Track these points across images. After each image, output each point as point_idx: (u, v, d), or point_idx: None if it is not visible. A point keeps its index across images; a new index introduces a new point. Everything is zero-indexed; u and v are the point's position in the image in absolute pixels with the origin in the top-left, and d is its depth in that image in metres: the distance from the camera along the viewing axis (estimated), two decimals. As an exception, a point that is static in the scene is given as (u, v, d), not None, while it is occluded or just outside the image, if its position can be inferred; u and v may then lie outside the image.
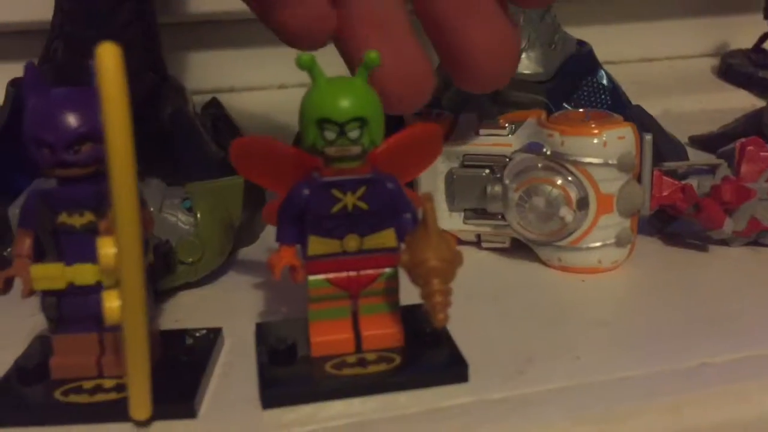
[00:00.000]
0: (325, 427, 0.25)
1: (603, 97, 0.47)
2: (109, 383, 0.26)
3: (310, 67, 0.25)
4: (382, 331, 0.27)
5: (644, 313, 0.31)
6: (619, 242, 0.34)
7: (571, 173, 0.33)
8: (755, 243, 0.37)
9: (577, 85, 0.47)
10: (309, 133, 0.25)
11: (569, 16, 0.51)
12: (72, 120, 0.24)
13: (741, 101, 0.61)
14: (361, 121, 0.25)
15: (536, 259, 0.36)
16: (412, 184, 0.35)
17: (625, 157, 0.33)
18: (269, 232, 0.40)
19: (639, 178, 0.34)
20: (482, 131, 0.36)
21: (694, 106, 0.62)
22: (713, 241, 0.37)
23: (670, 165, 0.37)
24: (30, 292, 0.25)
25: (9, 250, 0.36)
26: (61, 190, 0.25)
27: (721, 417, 0.26)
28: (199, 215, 0.33)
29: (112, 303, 0.22)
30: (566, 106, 0.45)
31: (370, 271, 0.27)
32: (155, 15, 0.44)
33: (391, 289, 0.27)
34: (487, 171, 0.36)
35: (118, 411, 0.25)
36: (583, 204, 0.33)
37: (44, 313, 0.26)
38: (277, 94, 0.64)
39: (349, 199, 0.26)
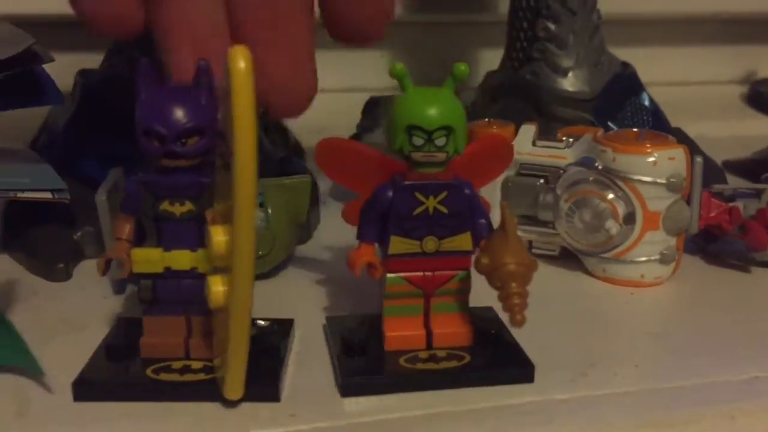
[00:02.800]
0: (401, 416, 0.26)
1: (645, 117, 0.48)
2: (196, 365, 0.27)
3: (401, 77, 0.27)
4: (453, 330, 0.29)
5: (693, 326, 0.33)
6: (664, 259, 0.36)
7: (620, 189, 0.35)
8: (796, 266, 0.38)
9: (622, 105, 0.48)
10: (398, 138, 0.27)
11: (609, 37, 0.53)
12: (183, 114, 0.25)
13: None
14: (448, 130, 0.26)
15: (583, 269, 0.37)
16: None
17: (675, 178, 0.35)
18: (321, 231, 0.42)
19: (688, 199, 0.36)
20: (539, 143, 0.38)
21: (725, 132, 0.63)
22: (755, 263, 0.38)
23: (717, 187, 0.38)
24: (129, 274, 0.27)
25: (80, 234, 0.37)
26: (165, 179, 0.26)
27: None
28: (270, 210, 0.34)
29: (218, 287, 0.24)
30: (611, 124, 0.46)
31: (445, 272, 0.28)
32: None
33: (463, 290, 0.29)
34: (542, 181, 0.38)
35: (207, 391, 0.26)
36: (629, 219, 0.35)
37: (139, 295, 0.27)
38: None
39: (431, 203, 0.27)
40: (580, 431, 0.26)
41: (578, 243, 0.36)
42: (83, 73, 0.43)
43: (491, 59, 0.55)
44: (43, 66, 0.35)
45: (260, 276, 0.35)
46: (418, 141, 0.26)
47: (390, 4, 0.29)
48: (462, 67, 0.27)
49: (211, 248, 0.23)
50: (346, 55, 0.66)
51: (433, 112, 0.26)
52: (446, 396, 0.27)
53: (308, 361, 0.29)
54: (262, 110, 0.27)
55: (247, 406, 0.26)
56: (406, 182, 0.27)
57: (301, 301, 0.34)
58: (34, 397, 0.27)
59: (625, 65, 0.51)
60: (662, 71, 0.71)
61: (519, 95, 0.49)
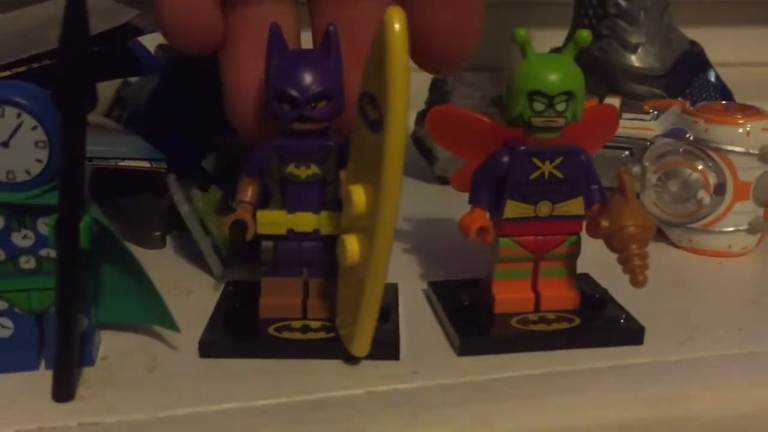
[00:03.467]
0: (518, 375, 0.27)
1: (713, 94, 0.49)
2: (315, 324, 0.28)
3: (523, 42, 0.27)
4: (561, 294, 0.29)
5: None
6: (752, 229, 0.36)
7: (712, 159, 0.35)
8: None
9: (690, 82, 0.48)
10: (518, 103, 0.27)
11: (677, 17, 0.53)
12: (314, 79, 0.26)
13: None
14: (569, 95, 0.27)
15: (665, 240, 0.38)
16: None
17: (766, 150, 0.35)
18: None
19: (774, 171, 0.36)
20: (625, 115, 0.38)
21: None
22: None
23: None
24: (254, 235, 0.27)
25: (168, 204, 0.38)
26: (293, 144, 0.27)
27: None
28: None
29: (353, 246, 0.24)
30: (680, 100, 0.47)
31: (556, 236, 0.29)
32: None
33: (573, 255, 0.29)
34: (627, 153, 0.38)
35: (328, 348, 0.27)
36: (720, 189, 0.35)
37: (261, 256, 0.28)
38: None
39: (547, 168, 0.28)
40: (694, 391, 0.27)
41: (666, 214, 0.37)
42: (163, 48, 0.44)
43: (555, 37, 0.55)
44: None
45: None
46: (539, 106, 0.27)
47: (471, 43, 0.29)
48: (585, 34, 0.27)
49: (351, 207, 0.24)
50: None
51: (555, 77, 0.27)
52: (559, 356, 0.28)
53: (417, 323, 0.30)
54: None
55: (368, 364, 0.27)
56: (524, 147, 0.28)
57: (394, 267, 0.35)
58: (161, 353, 0.27)
59: (693, 43, 0.51)
60: (728, 51, 0.71)
61: (589, 72, 0.49)
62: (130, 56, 0.36)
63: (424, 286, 0.32)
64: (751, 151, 0.35)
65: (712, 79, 0.50)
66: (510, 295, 0.29)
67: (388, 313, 0.29)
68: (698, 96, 0.48)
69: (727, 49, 0.69)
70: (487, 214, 0.29)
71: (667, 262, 0.37)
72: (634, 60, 0.48)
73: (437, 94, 0.51)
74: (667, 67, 0.48)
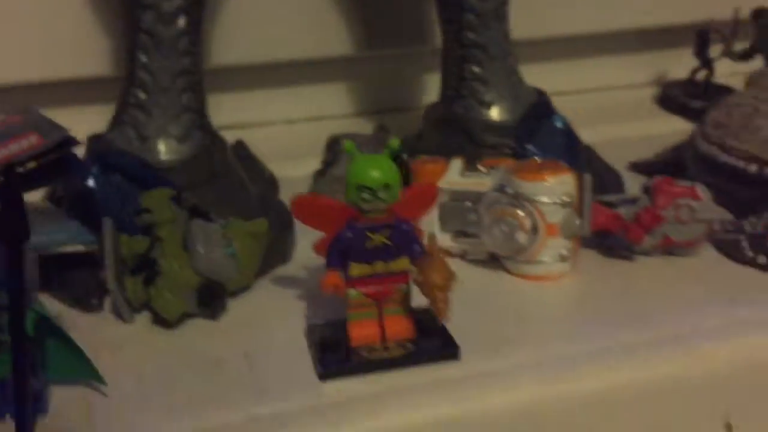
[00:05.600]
0: (365, 392, 0.36)
1: (558, 138, 0.59)
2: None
3: (351, 151, 0.37)
4: (400, 327, 0.39)
5: (589, 308, 0.44)
6: (563, 258, 0.46)
7: (526, 207, 0.45)
8: (669, 254, 0.49)
9: (538, 128, 0.58)
10: (351, 193, 0.37)
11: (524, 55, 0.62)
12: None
13: (677, 128, 0.71)
14: (387, 186, 0.37)
15: (505, 269, 0.48)
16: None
17: (566, 196, 0.45)
18: (300, 253, 0.52)
19: (580, 210, 0.47)
20: (466, 173, 0.49)
21: (637, 133, 0.74)
22: (638, 252, 0.49)
23: (604, 198, 0.49)
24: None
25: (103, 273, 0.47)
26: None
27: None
28: (240, 260, 0.44)
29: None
30: (528, 146, 0.57)
31: (391, 286, 0.39)
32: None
33: (406, 298, 0.39)
34: (469, 203, 0.48)
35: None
36: (534, 230, 0.45)
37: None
38: (286, 128, 0.75)
39: (378, 238, 0.38)
40: (496, 395, 0.37)
41: (499, 250, 0.47)
42: (94, 140, 0.52)
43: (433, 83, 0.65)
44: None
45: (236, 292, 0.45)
46: (366, 196, 0.37)
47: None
48: (395, 143, 0.37)
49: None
50: (310, 88, 0.77)
51: (376, 174, 0.37)
52: (396, 375, 0.38)
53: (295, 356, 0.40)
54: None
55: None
56: (359, 225, 0.38)
57: (285, 311, 0.44)
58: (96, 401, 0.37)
59: (540, 93, 0.61)
60: (579, 80, 0.82)
61: (454, 127, 0.59)
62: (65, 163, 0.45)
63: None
64: (554, 200, 0.45)
65: (558, 123, 0.60)
66: (361, 332, 0.39)
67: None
68: (545, 140, 0.58)
69: (579, 78, 0.80)
70: (341, 273, 0.39)
71: (503, 287, 0.47)
72: (489, 115, 0.58)
73: (331, 154, 0.61)
74: (516, 119, 0.58)
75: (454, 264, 0.49)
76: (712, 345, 0.40)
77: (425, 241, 0.38)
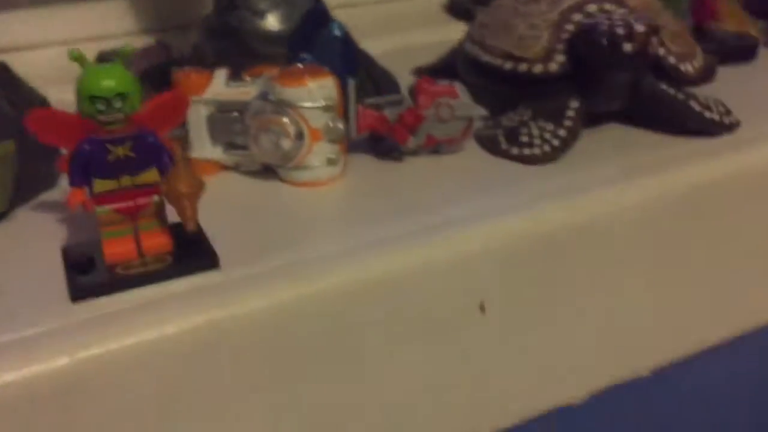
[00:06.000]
0: (120, 309, 0.36)
1: (335, 45, 0.59)
2: None
3: (79, 59, 0.35)
4: (157, 241, 0.39)
5: (356, 208, 0.45)
6: (331, 162, 0.47)
7: (289, 114, 0.45)
8: (435, 152, 0.51)
9: (314, 37, 0.58)
10: (84, 106, 0.35)
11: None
12: None
13: (462, 33, 0.76)
14: (122, 96, 0.35)
15: (276, 178, 0.48)
16: (181, 132, 0.46)
17: (328, 100, 0.46)
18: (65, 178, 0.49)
19: (345, 113, 0.48)
20: (231, 83, 0.48)
21: (426, 40, 0.76)
22: (407, 153, 0.51)
23: (369, 101, 0.50)
24: None
25: None
26: None
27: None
28: None
29: None
30: (304, 55, 0.57)
31: (142, 200, 0.38)
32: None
33: (161, 211, 0.39)
34: (236, 113, 0.48)
35: None
36: (299, 136, 0.46)
37: None
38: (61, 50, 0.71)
39: (120, 151, 0.37)
40: (255, 299, 0.37)
41: (267, 159, 0.47)
42: None
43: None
44: None
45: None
46: (101, 106, 0.35)
47: None
48: (127, 49, 0.36)
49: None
50: (76, 7, 0.73)
51: (109, 83, 0.35)
52: (156, 288, 0.37)
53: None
54: None
55: None
56: (98, 138, 0.36)
57: (45, 236, 0.43)
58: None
59: (317, 1, 0.61)
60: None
61: (229, 36, 0.58)
62: None
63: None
64: (316, 104, 0.46)
65: (335, 31, 0.60)
66: (116, 249, 0.38)
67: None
68: (321, 49, 0.58)
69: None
70: (87, 190, 0.37)
71: (275, 196, 0.47)
72: (264, 25, 0.57)
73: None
74: (291, 28, 0.57)
75: (228, 177, 0.49)
76: (465, 231, 0.42)
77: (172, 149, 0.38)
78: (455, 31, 0.77)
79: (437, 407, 0.44)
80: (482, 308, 0.43)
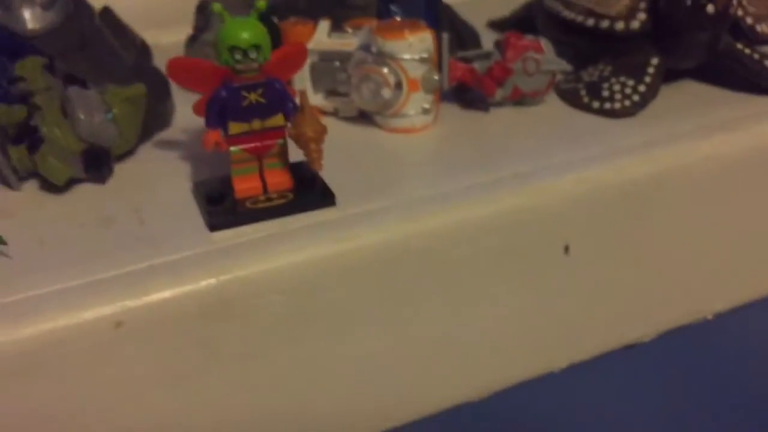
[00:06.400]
0: (252, 238, 0.40)
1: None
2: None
3: (220, 13, 0.39)
4: (280, 179, 0.43)
5: (448, 155, 0.49)
6: (426, 111, 0.51)
7: (389, 65, 0.49)
8: (519, 104, 0.55)
9: None
10: (223, 55, 0.39)
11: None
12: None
13: None
14: (257, 47, 0.39)
15: (373, 125, 0.52)
16: (290, 80, 0.50)
17: (425, 53, 0.49)
18: (179, 118, 0.54)
19: (439, 65, 0.51)
20: (333, 35, 0.51)
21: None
22: (493, 104, 0.54)
23: (461, 54, 0.53)
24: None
25: None
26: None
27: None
28: (121, 124, 0.45)
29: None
30: (392, 6, 0.60)
31: (269, 142, 0.42)
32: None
33: (283, 152, 0.43)
34: (338, 63, 0.51)
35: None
36: (399, 86, 0.49)
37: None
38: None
39: (253, 96, 0.41)
40: (368, 233, 0.41)
41: (367, 106, 0.51)
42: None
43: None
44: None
45: (121, 156, 0.47)
46: (238, 56, 0.39)
47: None
48: (262, 4, 0.39)
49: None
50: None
51: (246, 35, 0.39)
52: (281, 221, 0.42)
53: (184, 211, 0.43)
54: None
55: (149, 246, 0.40)
56: (234, 84, 0.40)
57: (171, 171, 0.47)
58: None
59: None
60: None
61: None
62: None
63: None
64: (414, 57, 0.49)
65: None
66: (245, 185, 0.42)
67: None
68: (407, 0, 0.61)
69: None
70: (221, 132, 0.42)
71: (373, 141, 0.51)
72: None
73: (202, 19, 0.61)
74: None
75: (328, 121, 0.53)
76: (551, 179, 0.46)
77: (297, 98, 0.41)
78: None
79: (522, 338, 0.48)
80: (567, 250, 0.47)
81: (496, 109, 0.54)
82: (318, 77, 0.52)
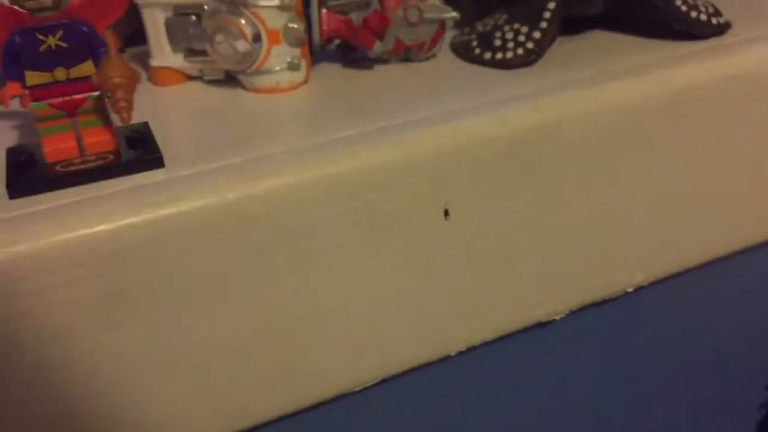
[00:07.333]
0: (57, 205, 0.35)
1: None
2: None
3: (3, -59, 0.33)
4: (99, 138, 0.37)
5: (314, 109, 0.43)
6: (291, 67, 0.45)
7: (245, 14, 0.43)
8: (407, 60, 0.49)
9: None
10: (10, -8, 0.34)
11: None
12: None
13: None
14: (48, -19, 0.34)
15: (239, 85, 0.47)
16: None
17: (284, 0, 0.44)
18: None
19: (308, 16, 0.45)
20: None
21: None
22: (376, 57, 0.49)
23: (333, 2, 0.48)
24: None
25: None
26: None
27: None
28: None
29: None
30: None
31: (78, 96, 0.36)
32: None
33: (101, 107, 0.37)
34: (194, 17, 0.46)
35: None
36: (257, 38, 0.44)
37: None
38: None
39: (52, 41, 0.35)
40: (197, 197, 0.36)
41: (226, 64, 0.45)
42: None
43: None
44: None
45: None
46: (26, -9, 0.34)
47: None
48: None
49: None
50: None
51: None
52: (95, 186, 0.36)
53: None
54: None
55: None
56: (28, 26, 0.34)
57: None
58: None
59: None
60: None
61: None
62: None
63: None
64: (272, 3, 0.43)
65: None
66: (56, 146, 0.37)
67: None
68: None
69: None
70: (21, 85, 0.36)
71: (236, 103, 0.45)
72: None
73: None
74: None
75: (190, 86, 0.47)
76: (425, 131, 0.40)
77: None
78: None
79: (401, 320, 0.42)
80: (447, 214, 0.41)
81: (381, 66, 0.49)
82: (174, 34, 0.46)
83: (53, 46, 0.35)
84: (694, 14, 0.48)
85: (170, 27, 0.46)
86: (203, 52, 0.46)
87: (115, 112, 0.35)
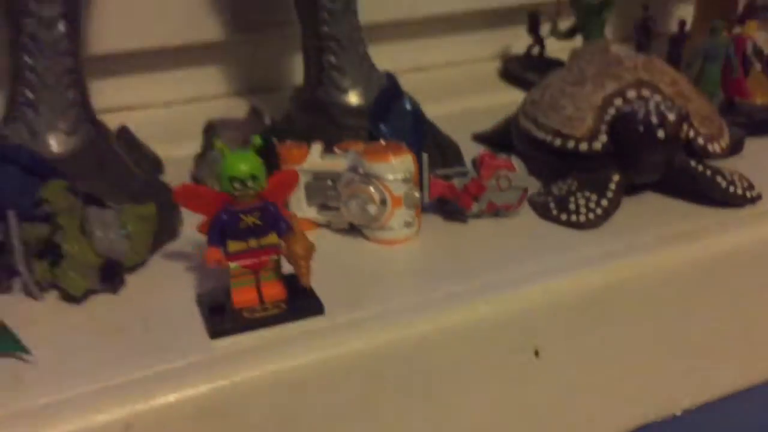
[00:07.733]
0: (249, 346, 0.45)
1: (407, 118, 0.68)
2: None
3: (223, 149, 0.45)
4: (274, 291, 0.48)
5: (429, 265, 0.54)
6: (408, 225, 0.56)
7: (375, 184, 0.55)
8: (495, 215, 0.60)
9: (389, 110, 0.68)
10: (224, 184, 0.45)
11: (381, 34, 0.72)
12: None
13: (517, 98, 0.82)
14: (254, 177, 0.45)
15: (362, 236, 0.58)
16: (286, 201, 0.56)
17: (406, 173, 0.55)
18: (187, 229, 0.59)
19: (420, 183, 0.57)
20: (325, 156, 0.57)
21: (483, 104, 0.84)
22: (470, 216, 0.60)
23: (440, 171, 0.59)
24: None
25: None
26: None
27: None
28: (129, 228, 0.51)
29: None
30: (382, 127, 0.66)
31: (264, 258, 0.47)
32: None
33: (277, 266, 0.48)
34: (330, 181, 0.57)
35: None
36: (383, 203, 0.55)
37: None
38: (165, 110, 0.82)
39: (249, 219, 0.46)
40: (356, 340, 0.46)
41: (355, 220, 0.56)
42: None
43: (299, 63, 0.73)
44: None
45: (133, 268, 0.53)
46: (237, 185, 0.45)
47: None
48: (257, 141, 0.45)
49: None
50: (186, 70, 0.84)
51: (245, 167, 0.45)
52: (275, 329, 0.46)
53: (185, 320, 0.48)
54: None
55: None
56: (233, 209, 0.46)
57: (177, 282, 0.52)
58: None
59: (389, 76, 0.70)
60: (430, 57, 0.93)
61: (318, 110, 0.67)
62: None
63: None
64: (397, 177, 0.55)
65: (407, 105, 0.69)
66: (242, 297, 0.48)
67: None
68: (395, 120, 0.67)
69: (430, 55, 0.91)
70: (221, 249, 0.47)
71: (361, 251, 0.56)
72: (347, 100, 0.67)
73: (208, 138, 0.68)
74: (370, 102, 0.67)
75: (321, 233, 0.59)
76: (524, 288, 0.51)
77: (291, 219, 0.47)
78: (507, 96, 0.87)
79: (495, 435, 0.52)
80: (536, 353, 0.51)
81: (474, 220, 0.60)
82: (312, 194, 0.58)
83: (250, 224, 0.46)
84: (732, 189, 0.59)
85: (309, 188, 0.58)
86: (335, 208, 0.57)
87: (299, 277, 0.46)
